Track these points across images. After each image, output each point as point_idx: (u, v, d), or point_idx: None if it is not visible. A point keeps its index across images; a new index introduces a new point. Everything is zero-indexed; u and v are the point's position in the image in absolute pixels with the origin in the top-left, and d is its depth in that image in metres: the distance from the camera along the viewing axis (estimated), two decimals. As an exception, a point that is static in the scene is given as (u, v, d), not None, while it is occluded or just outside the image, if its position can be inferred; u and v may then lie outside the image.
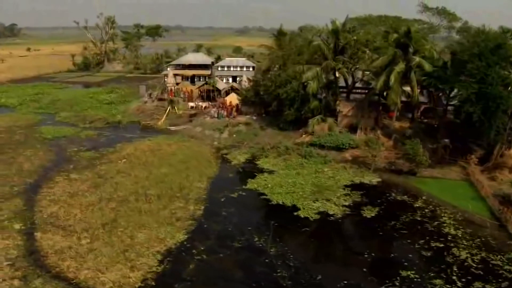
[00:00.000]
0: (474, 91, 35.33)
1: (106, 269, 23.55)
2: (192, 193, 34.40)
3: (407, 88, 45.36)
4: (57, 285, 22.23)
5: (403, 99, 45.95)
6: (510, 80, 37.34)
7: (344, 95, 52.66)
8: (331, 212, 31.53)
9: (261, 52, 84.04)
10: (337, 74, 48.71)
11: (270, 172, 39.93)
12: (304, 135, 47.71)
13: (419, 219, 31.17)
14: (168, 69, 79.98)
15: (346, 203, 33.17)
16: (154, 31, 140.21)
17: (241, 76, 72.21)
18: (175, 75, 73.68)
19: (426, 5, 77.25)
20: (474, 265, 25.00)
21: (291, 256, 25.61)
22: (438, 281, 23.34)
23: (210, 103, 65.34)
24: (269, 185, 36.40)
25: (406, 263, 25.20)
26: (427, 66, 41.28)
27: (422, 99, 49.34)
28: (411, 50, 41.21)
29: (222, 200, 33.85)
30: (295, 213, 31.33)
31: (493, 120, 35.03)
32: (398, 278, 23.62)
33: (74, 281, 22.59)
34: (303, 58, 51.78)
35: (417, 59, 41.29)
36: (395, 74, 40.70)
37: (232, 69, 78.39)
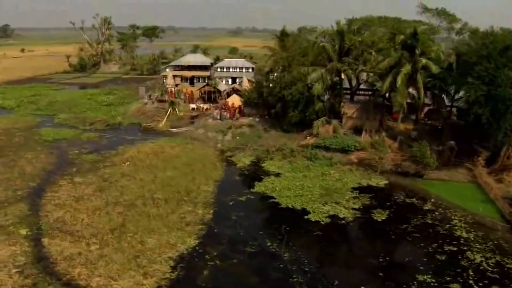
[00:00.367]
0: (483, 93, 35.24)
1: (118, 276, 22.97)
2: (199, 197, 33.90)
3: (411, 90, 45.29)
4: (69, 293, 21.63)
5: (408, 101, 45.77)
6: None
7: (348, 96, 52.39)
8: (341, 216, 31.24)
9: (265, 53, 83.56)
10: (342, 76, 48.44)
11: (277, 174, 39.52)
12: (308, 137, 47.32)
13: (430, 222, 31.02)
14: (167, 70, 79.35)
15: (356, 206, 32.89)
16: (151, 32, 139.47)
17: (241, 77, 71.84)
18: (174, 76, 73.03)
19: (426, 6, 77.75)
20: (490, 269, 24.82)
21: (306, 261, 25.26)
22: (455, 286, 23.15)
23: (211, 104, 64.78)
24: (277, 188, 36.00)
25: (421, 267, 25.00)
26: (434, 68, 41.12)
27: (426, 100, 49.18)
28: (417, 51, 40.96)
29: (231, 203, 33.37)
30: (306, 217, 30.96)
31: (502, 122, 34.98)
32: (415, 282, 23.39)
33: (86, 288, 21.97)
34: (308, 60, 51.44)
35: (423, 60, 41.08)
36: (402, 76, 40.41)
37: (231, 70, 78.04)
